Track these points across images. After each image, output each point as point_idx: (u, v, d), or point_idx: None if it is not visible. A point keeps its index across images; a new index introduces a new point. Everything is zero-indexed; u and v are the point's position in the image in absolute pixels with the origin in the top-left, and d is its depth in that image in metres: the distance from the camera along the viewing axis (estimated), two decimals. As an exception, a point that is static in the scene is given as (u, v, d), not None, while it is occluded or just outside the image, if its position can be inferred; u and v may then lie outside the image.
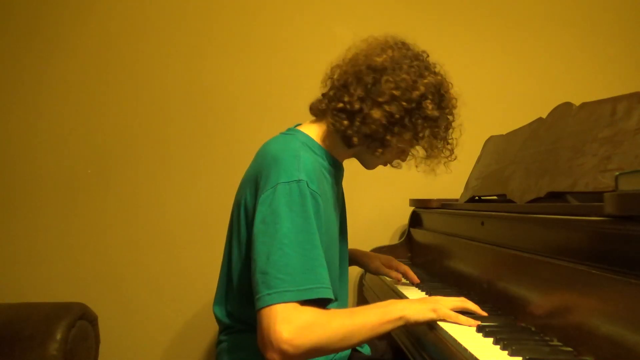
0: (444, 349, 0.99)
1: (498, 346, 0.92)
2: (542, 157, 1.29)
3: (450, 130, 1.25)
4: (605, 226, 0.88)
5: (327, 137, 1.23)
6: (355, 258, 1.58)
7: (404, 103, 1.15)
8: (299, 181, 1.05)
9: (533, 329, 1.03)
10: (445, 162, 1.27)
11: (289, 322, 0.96)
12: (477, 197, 1.68)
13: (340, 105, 1.18)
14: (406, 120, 1.17)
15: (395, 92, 1.15)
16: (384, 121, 1.15)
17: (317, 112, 1.27)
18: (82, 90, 2.22)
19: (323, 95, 1.26)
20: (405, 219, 2.15)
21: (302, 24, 2.23)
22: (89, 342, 1.88)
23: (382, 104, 1.15)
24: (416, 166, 1.30)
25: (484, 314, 1.11)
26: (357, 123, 1.17)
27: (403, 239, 2.12)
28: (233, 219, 1.21)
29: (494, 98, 2.27)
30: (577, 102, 1.26)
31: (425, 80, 1.18)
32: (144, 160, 2.21)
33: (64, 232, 2.19)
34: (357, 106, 1.16)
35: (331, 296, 1.03)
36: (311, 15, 2.24)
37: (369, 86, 1.16)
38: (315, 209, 1.06)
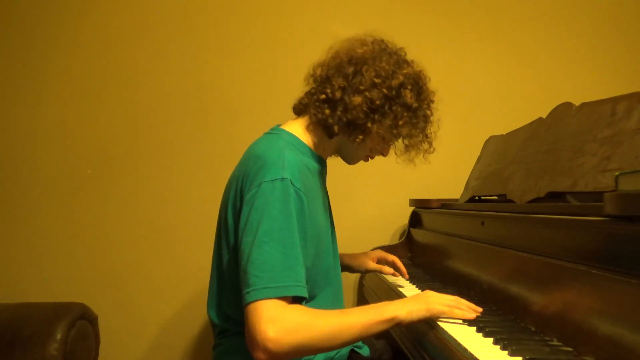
0: (444, 349, 0.99)
1: (498, 346, 0.93)
2: (542, 157, 1.29)
3: (429, 123, 1.26)
4: (605, 226, 0.88)
5: (309, 132, 1.25)
6: (342, 264, 1.52)
7: (385, 90, 1.18)
8: (282, 179, 1.06)
9: (533, 329, 1.03)
10: (424, 154, 1.28)
11: (275, 321, 0.96)
12: (477, 197, 1.68)
13: (323, 96, 1.20)
14: (386, 107, 1.19)
15: (376, 80, 1.18)
16: (364, 107, 1.17)
17: (300, 108, 1.30)
18: (82, 90, 2.22)
19: (306, 93, 1.28)
20: (405, 219, 2.15)
21: (302, 24, 2.23)
22: (89, 342, 1.88)
23: (363, 91, 1.17)
24: (395, 153, 1.32)
25: (479, 311, 1.12)
26: (339, 111, 1.19)
27: (403, 239, 2.13)
28: (220, 220, 1.22)
29: (494, 98, 2.27)
30: (577, 102, 1.26)
31: (405, 71, 1.21)
32: (144, 160, 2.21)
33: (64, 232, 2.19)
34: (338, 95, 1.18)
35: (306, 295, 1.04)
36: (311, 15, 2.24)
37: (350, 76, 1.19)
38: (298, 206, 1.07)
